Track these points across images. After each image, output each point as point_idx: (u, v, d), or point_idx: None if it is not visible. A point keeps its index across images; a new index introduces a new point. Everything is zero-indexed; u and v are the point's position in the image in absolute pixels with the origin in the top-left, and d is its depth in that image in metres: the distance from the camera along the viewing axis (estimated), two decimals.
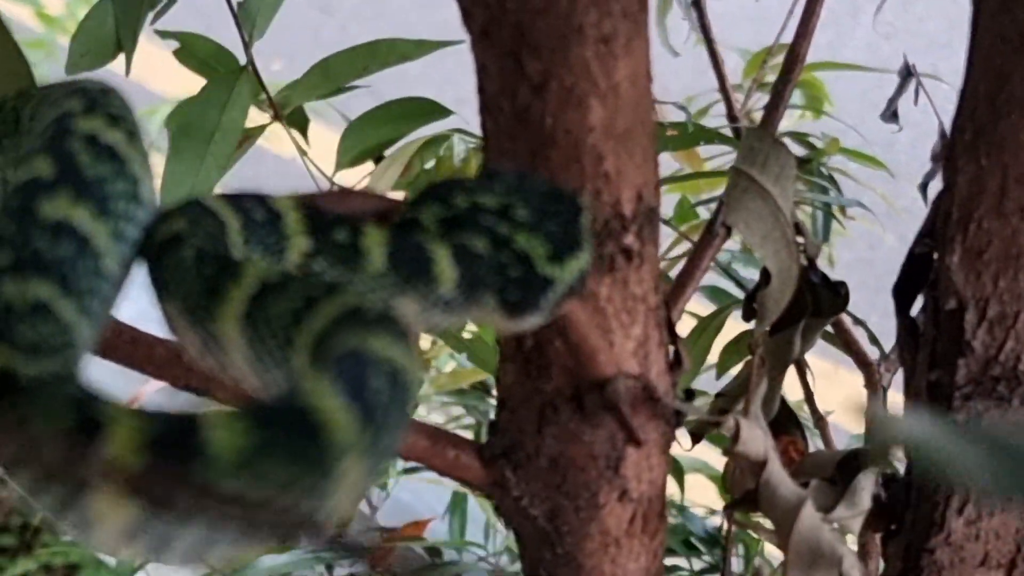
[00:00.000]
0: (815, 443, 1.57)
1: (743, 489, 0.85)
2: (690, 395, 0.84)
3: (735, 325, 1.37)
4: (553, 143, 0.71)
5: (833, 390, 1.52)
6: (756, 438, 0.82)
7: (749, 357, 0.95)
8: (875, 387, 1.37)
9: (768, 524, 0.86)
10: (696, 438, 0.92)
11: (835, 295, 0.92)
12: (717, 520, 1.70)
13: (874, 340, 1.38)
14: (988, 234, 0.80)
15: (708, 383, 1.52)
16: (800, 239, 0.86)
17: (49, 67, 2.72)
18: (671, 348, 0.81)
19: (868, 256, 3.28)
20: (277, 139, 1.29)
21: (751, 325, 1.41)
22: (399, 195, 1.35)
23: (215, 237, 0.54)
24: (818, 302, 0.92)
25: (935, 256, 0.86)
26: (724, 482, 0.87)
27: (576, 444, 0.79)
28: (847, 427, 1.80)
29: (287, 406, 0.42)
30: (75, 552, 2.22)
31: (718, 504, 1.75)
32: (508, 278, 0.60)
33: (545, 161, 0.72)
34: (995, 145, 0.79)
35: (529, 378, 0.78)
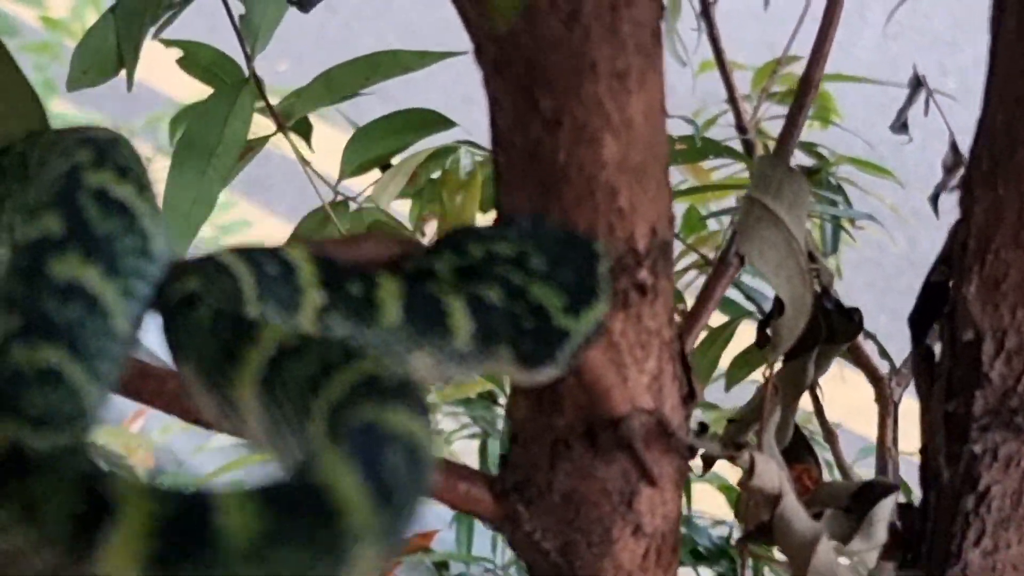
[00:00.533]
0: (824, 456, 1.57)
1: (757, 520, 0.84)
2: (703, 428, 0.84)
3: (745, 336, 1.36)
4: (566, 178, 0.71)
5: (841, 394, 1.51)
6: (770, 471, 0.81)
7: (762, 381, 0.94)
8: (886, 401, 1.37)
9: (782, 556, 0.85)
10: (708, 465, 0.92)
11: (849, 321, 0.91)
12: (724, 530, 1.70)
13: (884, 354, 1.37)
14: (1006, 264, 0.80)
15: (717, 393, 1.52)
16: (814, 265, 0.86)
17: (54, 70, 2.72)
18: (684, 380, 0.80)
19: (877, 257, 3.28)
20: (283, 140, 1.29)
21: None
22: (405, 203, 1.36)
23: (231, 296, 0.53)
24: (832, 328, 0.91)
25: (951, 285, 0.85)
26: (737, 512, 0.87)
27: (589, 480, 0.78)
28: (858, 431, 1.80)
29: (301, 485, 0.41)
30: None
31: (725, 513, 1.75)
32: (523, 330, 0.59)
33: (558, 196, 0.71)
34: (1012, 175, 0.78)
35: (541, 413, 0.77)
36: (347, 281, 0.57)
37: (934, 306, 0.88)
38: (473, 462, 1.63)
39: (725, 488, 1.70)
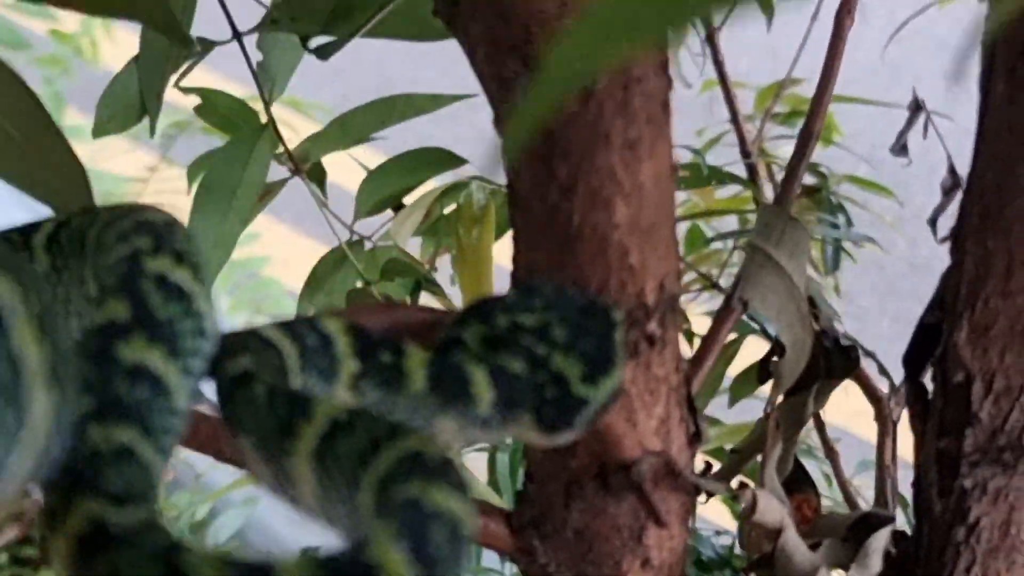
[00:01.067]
0: (824, 469, 1.61)
1: (760, 550, 0.89)
2: (708, 468, 0.88)
3: (749, 350, 1.40)
4: (580, 239, 0.75)
5: (842, 400, 1.55)
6: (772, 507, 0.86)
7: (764, 409, 0.99)
8: (885, 420, 1.41)
9: None
10: (710, 495, 0.96)
11: (847, 358, 0.96)
12: (727, 540, 1.74)
13: (883, 371, 1.41)
14: (994, 312, 0.84)
15: (721, 406, 1.56)
16: (813, 309, 0.90)
17: (64, 83, 2.74)
18: (691, 422, 0.85)
19: (879, 260, 3.30)
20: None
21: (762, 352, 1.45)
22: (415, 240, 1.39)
23: (278, 369, 0.58)
24: (831, 365, 0.95)
25: (943, 328, 0.90)
26: (740, 541, 0.91)
27: (601, 517, 0.83)
28: (861, 435, 1.83)
29: (356, 561, 0.45)
30: None
31: (728, 523, 1.78)
32: (544, 399, 0.63)
33: (573, 255, 0.76)
34: (1001, 230, 0.82)
35: (556, 455, 0.82)
36: (379, 350, 0.61)
37: (927, 347, 0.92)
38: (482, 474, 1.66)
39: (728, 499, 1.74)
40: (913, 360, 0.93)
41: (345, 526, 0.53)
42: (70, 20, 2.89)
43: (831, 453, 1.44)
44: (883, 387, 1.39)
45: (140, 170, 2.83)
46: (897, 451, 1.45)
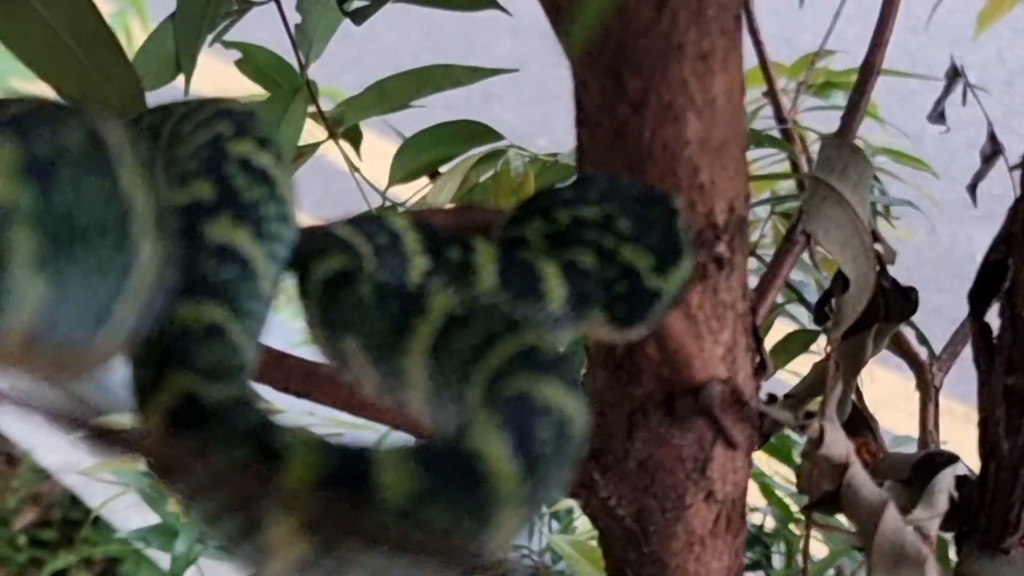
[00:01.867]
0: None
1: (820, 491, 0.87)
2: (772, 399, 0.87)
3: (781, 327, 1.39)
4: (650, 156, 0.74)
5: (868, 390, 1.54)
6: (838, 441, 0.85)
7: (813, 359, 0.97)
8: (927, 387, 1.40)
9: (845, 524, 0.88)
10: (765, 439, 0.94)
11: (905, 300, 0.94)
12: (758, 517, 1.72)
13: (923, 340, 1.40)
14: None
15: None
16: (877, 246, 0.89)
17: None
18: (756, 352, 0.84)
19: (897, 249, 3.29)
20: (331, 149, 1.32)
21: (795, 327, 1.44)
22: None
23: (389, 269, 0.57)
24: (889, 307, 0.94)
25: (1010, 263, 0.88)
26: (799, 483, 0.90)
27: (665, 447, 0.82)
28: (884, 425, 1.82)
29: (455, 450, 0.43)
30: (115, 546, 2.25)
31: (757, 500, 1.77)
32: (616, 294, 0.61)
33: (642, 173, 0.74)
34: None
35: (619, 383, 0.81)
36: (447, 247, 0.59)
37: (992, 284, 0.91)
38: None
39: (756, 474, 1.73)
40: (978, 296, 0.92)
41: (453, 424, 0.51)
42: (104, 7, 2.87)
43: (871, 422, 1.43)
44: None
45: None
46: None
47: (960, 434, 1.51)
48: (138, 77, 0.72)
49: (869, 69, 0.94)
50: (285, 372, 0.80)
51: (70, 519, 2.34)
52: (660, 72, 0.71)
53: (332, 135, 1.26)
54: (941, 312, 1.61)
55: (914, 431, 1.23)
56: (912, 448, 1.35)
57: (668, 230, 0.65)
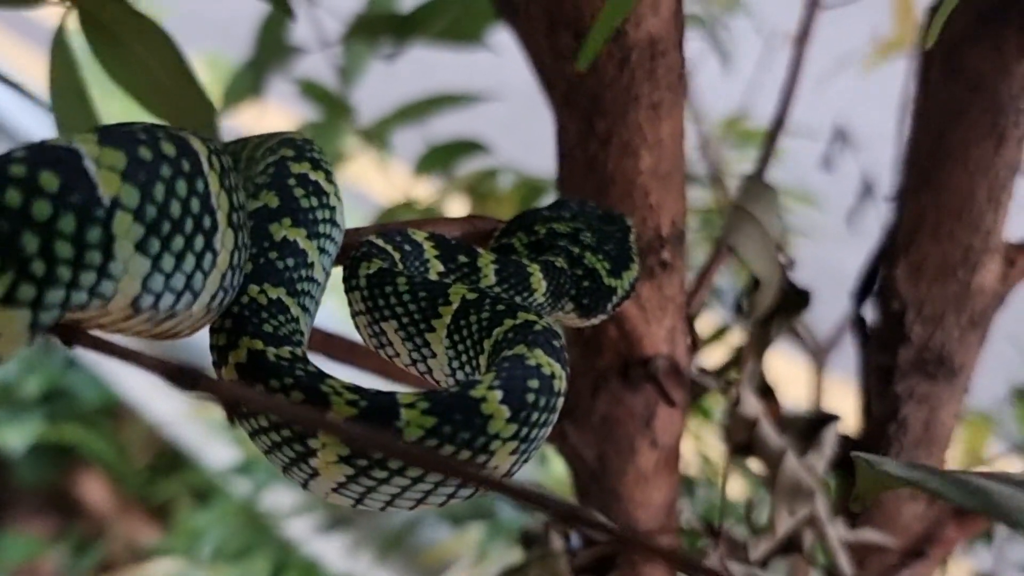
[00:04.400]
0: None
1: (737, 440, 0.86)
2: (703, 372, 0.85)
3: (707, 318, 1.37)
4: (613, 182, 0.72)
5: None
6: (751, 402, 0.82)
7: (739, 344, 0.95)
8: (820, 366, 1.38)
9: (757, 466, 0.86)
10: (694, 400, 0.92)
11: (801, 298, 0.92)
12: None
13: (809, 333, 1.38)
14: (925, 253, 0.81)
15: None
16: (781, 257, 0.87)
17: None
18: (690, 334, 0.82)
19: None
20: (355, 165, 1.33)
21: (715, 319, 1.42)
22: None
23: (414, 270, 0.55)
24: (788, 302, 0.92)
25: (881, 270, 0.87)
26: (722, 437, 0.88)
27: (620, 406, 0.79)
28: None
29: (463, 396, 0.43)
30: (204, 478, 2.21)
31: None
32: (582, 288, 0.60)
33: (607, 196, 0.72)
34: (933, 189, 0.79)
35: (587, 357, 0.78)
36: (456, 253, 0.58)
37: (868, 286, 0.89)
38: None
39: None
40: (858, 295, 0.90)
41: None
42: None
43: (773, 390, 1.41)
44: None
45: None
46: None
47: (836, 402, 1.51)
48: (211, 104, 0.69)
49: (779, 125, 0.92)
50: (332, 346, 0.78)
51: (173, 457, 2.31)
52: (621, 117, 0.69)
53: (368, 141, 1.28)
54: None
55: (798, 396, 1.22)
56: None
57: (622, 243, 0.64)
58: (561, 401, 0.46)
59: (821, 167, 1.59)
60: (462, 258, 0.58)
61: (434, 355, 0.51)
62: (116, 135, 0.37)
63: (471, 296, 0.50)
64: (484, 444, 0.43)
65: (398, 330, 0.51)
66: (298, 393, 0.43)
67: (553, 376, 0.45)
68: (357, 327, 0.54)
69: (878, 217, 1.49)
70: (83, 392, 2.42)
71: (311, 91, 1.17)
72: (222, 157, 0.43)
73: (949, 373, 0.83)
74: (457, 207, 1.33)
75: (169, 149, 0.39)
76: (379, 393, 0.43)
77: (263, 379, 0.43)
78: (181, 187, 0.39)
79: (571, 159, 0.72)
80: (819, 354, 1.39)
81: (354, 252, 0.55)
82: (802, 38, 0.93)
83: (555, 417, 0.46)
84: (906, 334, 0.83)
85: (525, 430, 0.44)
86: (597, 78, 0.67)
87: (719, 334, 1.32)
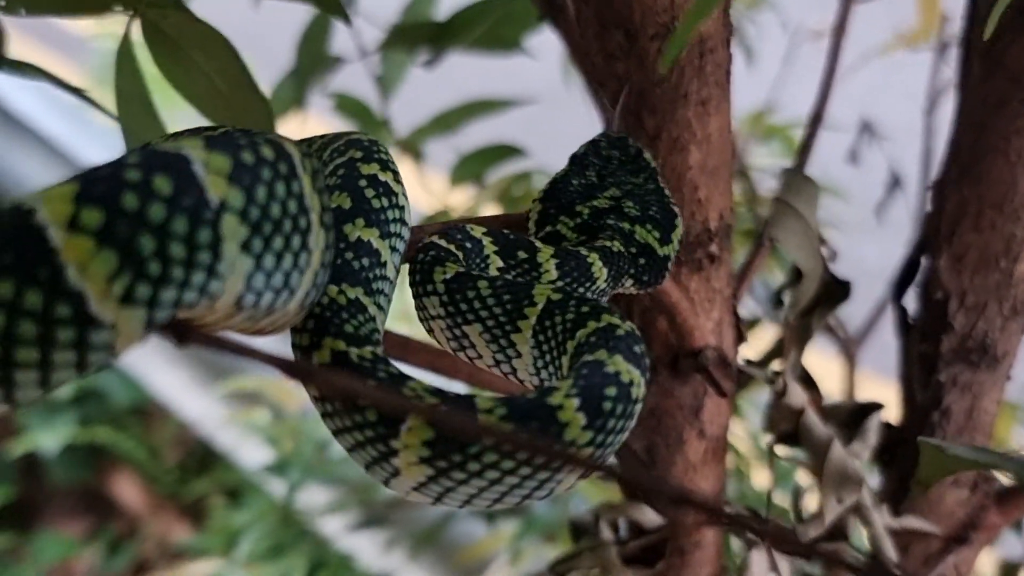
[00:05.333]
0: None
1: (782, 430, 0.86)
2: (748, 362, 0.86)
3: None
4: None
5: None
6: (797, 392, 0.83)
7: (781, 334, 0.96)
8: (850, 357, 1.39)
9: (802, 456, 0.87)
10: (743, 385, 0.92)
11: (843, 289, 0.93)
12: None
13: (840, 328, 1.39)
14: (967, 244, 0.82)
15: None
16: (823, 248, 0.88)
17: None
18: (736, 326, 0.83)
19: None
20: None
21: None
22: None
23: (477, 268, 0.55)
24: (830, 293, 0.93)
25: (923, 260, 0.87)
26: (766, 427, 0.89)
27: (669, 398, 0.80)
28: None
29: (540, 403, 0.43)
30: (239, 476, 2.23)
31: None
32: (639, 266, 0.61)
33: None
34: (974, 180, 0.80)
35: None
36: (515, 248, 0.58)
37: (909, 276, 0.90)
38: None
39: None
40: (899, 286, 0.91)
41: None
42: None
43: (815, 382, 1.41)
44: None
45: None
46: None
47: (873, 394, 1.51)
48: (271, 110, 0.71)
49: (817, 120, 0.93)
50: (387, 342, 0.79)
51: (205, 457, 2.33)
52: (670, 114, 0.70)
53: (406, 151, 1.28)
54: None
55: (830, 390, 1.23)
56: None
57: (660, 197, 0.64)
58: (639, 407, 0.47)
59: (848, 160, 1.60)
60: (522, 254, 0.58)
61: (519, 355, 0.52)
62: (221, 141, 0.39)
63: (556, 297, 0.51)
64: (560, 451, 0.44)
65: (482, 333, 0.52)
66: (381, 395, 0.44)
67: (632, 383, 0.46)
68: (431, 330, 0.55)
69: (907, 209, 1.50)
70: (115, 393, 2.45)
71: (347, 105, 1.18)
72: (312, 159, 0.44)
73: (992, 361, 0.84)
74: (491, 213, 1.34)
75: (268, 153, 0.41)
76: (459, 398, 0.44)
77: (349, 381, 0.45)
78: (280, 189, 0.41)
79: None
80: (850, 346, 1.40)
81: (420, 256, 0.55)
82: (838, 31, 0.94)
83: (632, 423, 0.47)
84: (949, 323, 0.84)
85: (601, 436, 0.45)
86: (646, 75, 0.69)
87: (751, 326, 1.33)
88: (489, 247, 0.58)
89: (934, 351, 0.85)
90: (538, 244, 0.60)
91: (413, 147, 1.30)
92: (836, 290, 0.92)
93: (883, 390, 1.00)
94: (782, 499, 1.08)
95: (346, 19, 0.71)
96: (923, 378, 0.87)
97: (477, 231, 0.59)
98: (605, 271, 0.59)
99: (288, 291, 0.42)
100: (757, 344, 1.18)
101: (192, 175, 0.37)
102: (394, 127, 1.27)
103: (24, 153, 2.77)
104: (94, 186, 0.35)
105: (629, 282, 0.61)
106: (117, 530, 2.47)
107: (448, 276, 0.53)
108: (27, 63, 0.68)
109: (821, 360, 1.57)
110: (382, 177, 0.54)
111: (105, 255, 0.35)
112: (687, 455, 0.82)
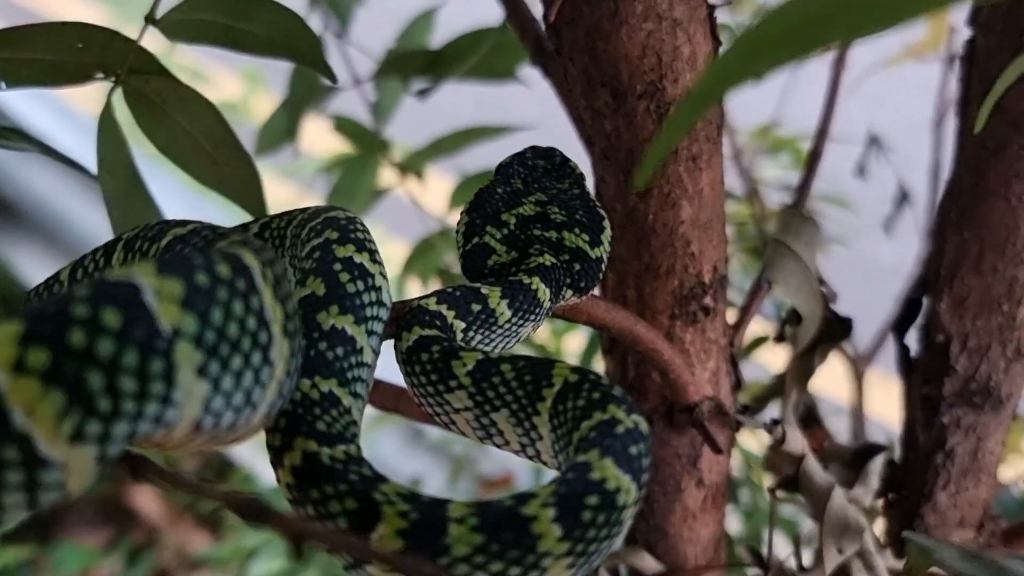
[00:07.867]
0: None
1: (783, 475, 0.85)
2: (746, 408, 0.84)
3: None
4: (654, 233, 0.71)
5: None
6: (796, 438, 0.82)
7: (779, 373, 0.94)
8: (859, 375, 1.37)
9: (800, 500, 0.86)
10: (737, 428, 0.91)
11: (843, 327, 0.91)
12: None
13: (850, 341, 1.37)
14: (969, 287, 0.80)
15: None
16: (821, 287, 0.86)
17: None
18: (734, 374, 0.81)
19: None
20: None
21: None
22: None
23: (450, 336, 0.54)
24: (830, 331, 0.91)
25: (924, 301, 0.85)
26: (766, 467, 0.87)
27: (666, 447, 0.79)
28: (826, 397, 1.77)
29: (513, 513, 0.42)
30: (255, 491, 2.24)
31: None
32: (575, 274, 0.59)
33: (648, 245, 0.72)
34: (974, 222, 0.78)
35: (632, 399, 0.78)
36: (467, 303, 0.56)
37: (910, 317, 0.88)
38: None
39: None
40: (900, 327, 0.89)
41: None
42: (228, 87, 2.86)
43: (818, 417, 1.40)
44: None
45: (291, 195, 2.88)
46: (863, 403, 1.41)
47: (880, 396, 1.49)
48: (256, 170, 0.70)
49: (815, 154, 0.91)
50: (380, 394, 0.78)
51: (222, 468, 2.34)
52: (660, 169, 0.69)
53: (403, 173, 1.27)
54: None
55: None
56: (843, 418, 1.32)
57: (585, 200, 0.62)
58: (629, 512, 0.45)
59: (855, 174, 1.58)
60: (475, 307, 0.57)
61: (541, 438, 0.50)
62: (174, 264, 0.37)
63: (573, 379, 0.49)
64: (534, 562, 0.42)
65: (509, 417, 0.50)
66: (352, 501, 0.43)
67: (618, 490, 0.44)
68: (450, 423, 0.53)
69: (914, 218, 1.48)
70: None
71: (345, 127, 1.17)
72: (275, 266, 0.43)
73: (996, 403, 0.82)
74: None
75: (224, 271, 0.39)
76: (432, 504, 0.43)
77: (318, 484, 0.43)
78: (238, 307, 0.40)
79: (610, 211, 0.72)
80: (859, 364, 1.38)
81: (424, 356, 0.53)
82: (842, 49, 0.91)
83: (621, 528, 0.44)
84: (951, 366, 0.82)
85: (581, 546, 0.43)
86: (634, 133, 0.67)
87: (758, 344, 1.31)
88: (449, 315, 0.56)
89: (936, 393, 0.84)
90: (484, 290, 0.58)
91: (413, 169, 1.28)
92: (837, 328, 0.90)
93: (894, 389, 0.98)
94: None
95: (331, 76, 0.69)
96: (926, 420, 0.85)
97: (433, 305, 0.56)
98: (547, 291, 0.58)
99: (250, 407, 0.41)
100: (768, 357, 1.16)
101: (142, 304, 0.36)
102: (392, 150, 1.26)
103: (38, 167, 2.78)
104: (40, 325, 0.34)
105: (568, 292, 0.60)
106: (136, 540, 2.48)
107: (471, 367, 0.51)
108: (14, 129, 0.67)
109: (834, 359, 1.54)
110: (357, 259, 0.52)
111: (53, 396, 0.34)
112: (686, 503, 0.81)
